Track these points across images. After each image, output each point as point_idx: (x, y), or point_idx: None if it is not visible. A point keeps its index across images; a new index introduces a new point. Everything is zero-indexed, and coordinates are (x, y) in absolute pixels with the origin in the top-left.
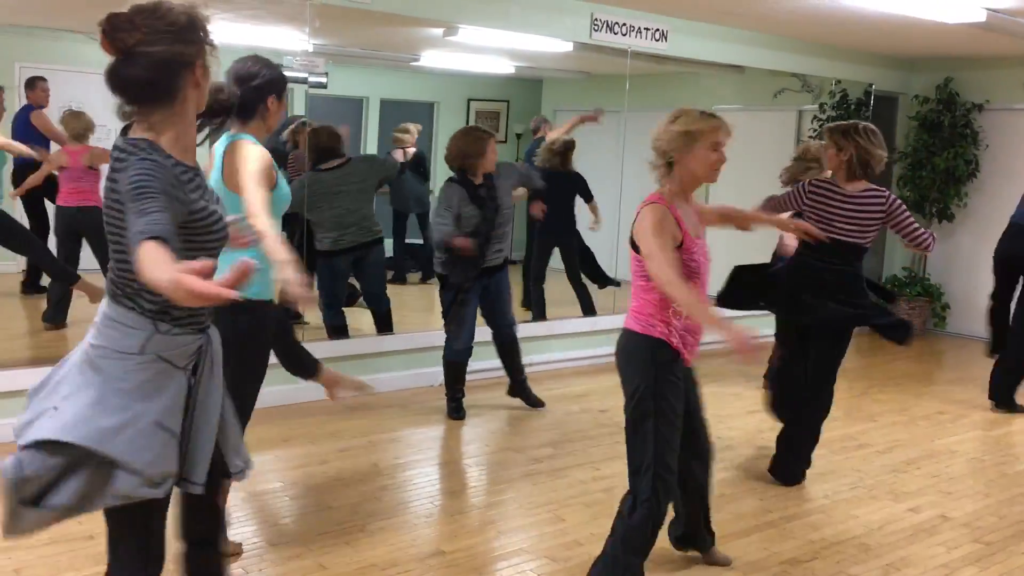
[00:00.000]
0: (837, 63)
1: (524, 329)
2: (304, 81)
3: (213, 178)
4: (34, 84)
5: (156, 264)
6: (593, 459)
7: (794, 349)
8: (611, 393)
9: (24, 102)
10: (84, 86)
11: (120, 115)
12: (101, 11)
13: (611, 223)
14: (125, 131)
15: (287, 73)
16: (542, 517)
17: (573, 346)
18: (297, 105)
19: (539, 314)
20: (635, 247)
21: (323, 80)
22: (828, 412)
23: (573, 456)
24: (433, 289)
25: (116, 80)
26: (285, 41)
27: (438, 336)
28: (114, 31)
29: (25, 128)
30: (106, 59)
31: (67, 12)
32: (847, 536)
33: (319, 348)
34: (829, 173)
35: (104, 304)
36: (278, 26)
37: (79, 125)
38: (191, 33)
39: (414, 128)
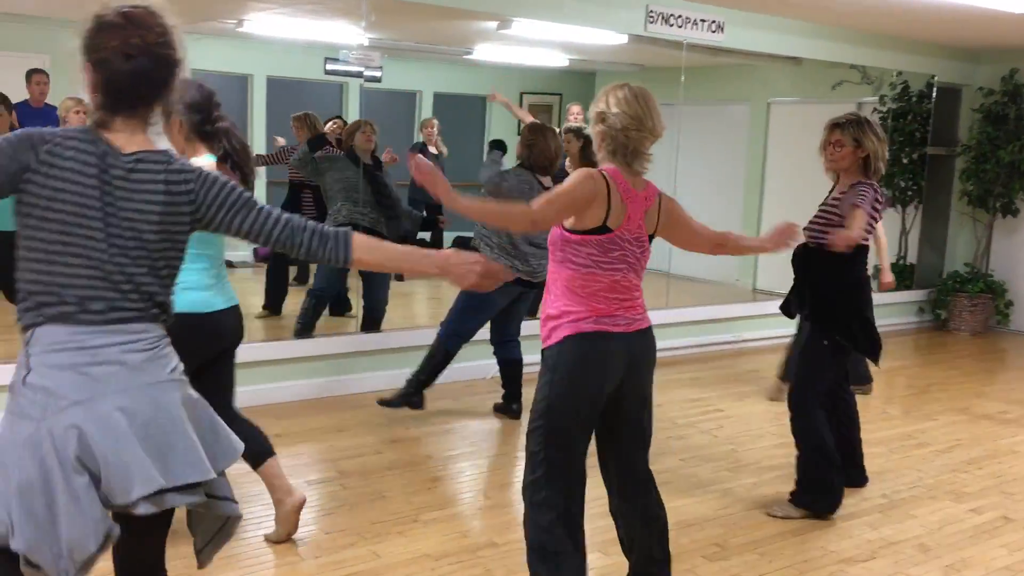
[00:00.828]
0: (898, 54)
1: None
2: (359, 75)
3: None
4: (29, 77)
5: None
6: None
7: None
8: (661, 388)
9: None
10: None
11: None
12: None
13: None
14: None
15: (342, 67)
16: (593, 511)
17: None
18: (351, 99)
19: None
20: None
21: (378, 74)
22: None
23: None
24: None
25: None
26: (340, 35)
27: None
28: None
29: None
30: None
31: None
32: (906, 536)
33: (369, 340)
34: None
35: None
36: (334, 20)
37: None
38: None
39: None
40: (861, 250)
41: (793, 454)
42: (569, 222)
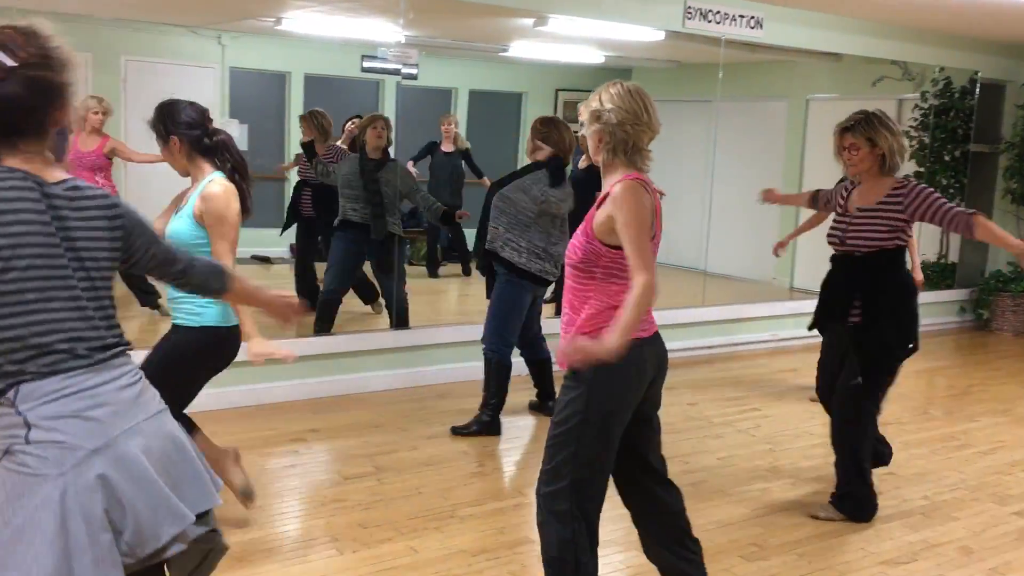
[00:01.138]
0: (941, 49)
1: None
2: (396, 72)
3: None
4: None
5: None
6: (682, 452)
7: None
8: (697, 386)
9: (127, 96)
10: (183, 78)
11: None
12: (204, 7)
13: (701, 214)
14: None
15: (379, 65)
16: (623, 510)
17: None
18: (387, 96)
19: None
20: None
21: (414, 72)
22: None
23: (662, 449)
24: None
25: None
26: (378, 33)
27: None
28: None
29: None
30: (208, 51)
31: (171, 7)
32: (948, 539)
33: (402, 337)
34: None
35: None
36: (371, 18)
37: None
38: None
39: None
40: (903, 251)
41: (832, 455)
42: (611, 239)
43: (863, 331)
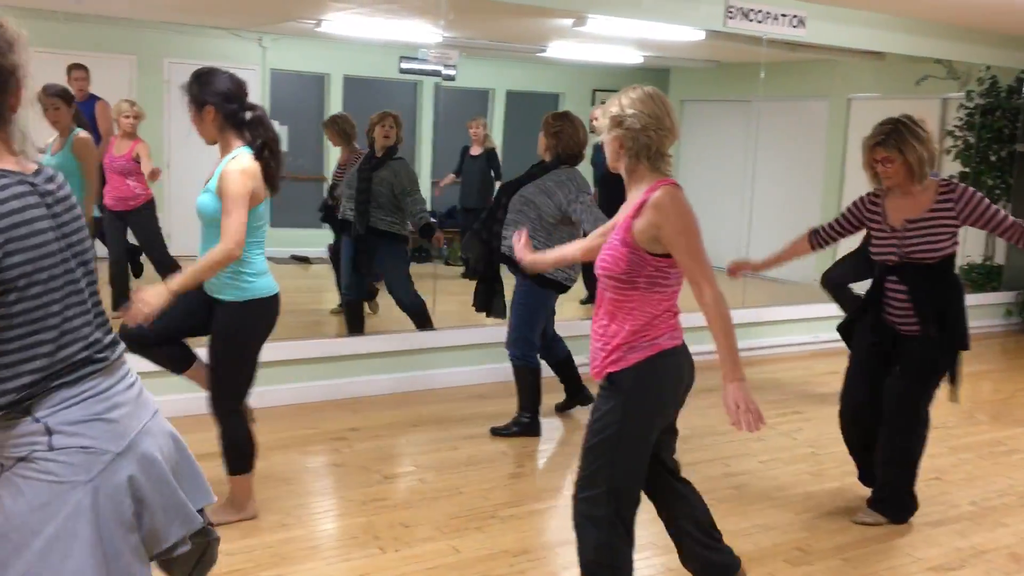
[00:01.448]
0: (986, 47)
1: None
2: (433, 74)
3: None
4: (69, 72)
5: None
6: (723, 455)
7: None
8: None
9: (172, 96)
10: None
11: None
12: (245, 9)
13: (741, 215)
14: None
15: (417, 66)
16: None
17: (703, 339)
18: (425, 97)
19: None
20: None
21: (452, 72)
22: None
23: (703, 452)
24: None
25: None
26: (416, 34)
27: (564, 326)
28: None
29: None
30: (249, 53)
31: (213, 10)
32: (996, 545)
33: (441, 337)
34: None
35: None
36: (410, 19)
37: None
38: None
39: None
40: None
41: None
42: (655, 248)
43: (922, 339)
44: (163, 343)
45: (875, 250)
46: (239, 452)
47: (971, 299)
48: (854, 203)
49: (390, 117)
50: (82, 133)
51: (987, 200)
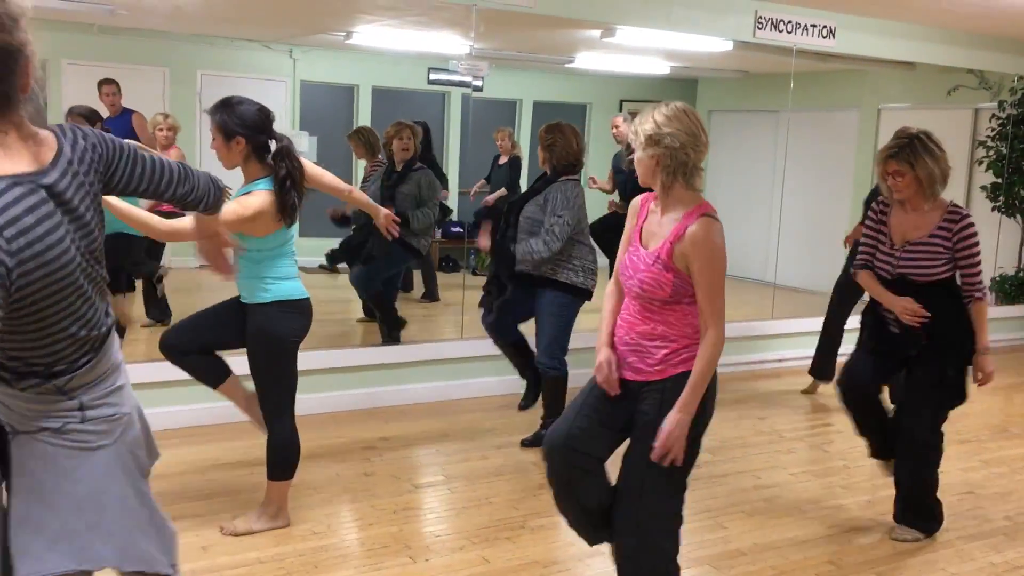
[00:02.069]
0: (1018, 57)
1: None
2: (462, 84)
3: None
4: (100, 87)
5: None
6: (753, 467)
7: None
8: (770, 401)
9: (202, 110)
10: (255, 91)
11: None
12: (276, 22)
13: (770, 225)
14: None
15: (445, 77)
16: (703, 524)
17: (732, 351)
18: (453, 108)
19: None
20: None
21: (480, 83)
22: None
23: (733, 463)
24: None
25: None
26: (444, 46)
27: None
28: None
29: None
30: (280, 65)
31: (245, 22)
32: None
33: (472, 347)
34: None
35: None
36: (439, 31)
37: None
38: None
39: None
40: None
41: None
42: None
43: (923, 353)
44: (198, 353)
45: (876, 262)
46: (281, 458)
47: (1003, 311)
48: (870, 217)
49: (407, 129)
50: None
51: (977, 246)
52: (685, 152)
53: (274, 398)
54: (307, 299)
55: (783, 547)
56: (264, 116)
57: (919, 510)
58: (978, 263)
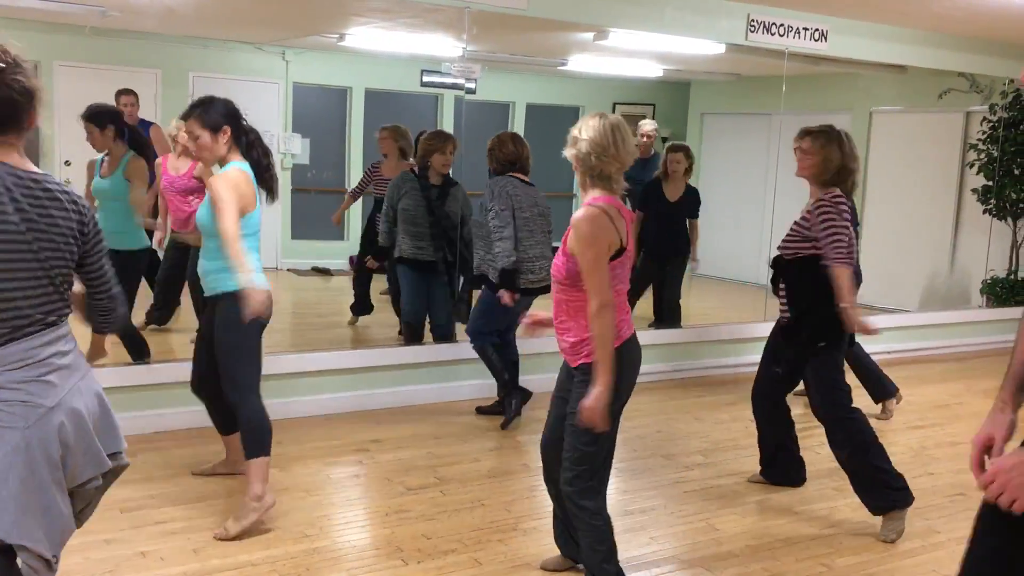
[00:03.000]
0: (1009, 61)
1: (668, 336)
2: (455, 87)
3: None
4: (117, 98)
5: None
6: (746, 469)
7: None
8: None
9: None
10: (248, 93)
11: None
12: (269, 24)
13: (763, 228)
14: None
15: (438, 79)
16: (695, 526)
17: (723, 353)
18: (446, 111)
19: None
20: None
21: (472, 85)
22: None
23: (725, 465)
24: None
25: None
26: (437, 48)
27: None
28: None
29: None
30: (273, 67)
31: (237, 25)
32: None
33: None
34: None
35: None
36: (432, 33)
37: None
38: None
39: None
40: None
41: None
42: None
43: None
44: (213, 394)
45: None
46: (257, 434)
47: (994, 314)
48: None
49: (451, 143)
50: (135, 157)
51: (833, 226)
52: (595, 158)
53: (246, 379)
54: (268, 292)
55: (775, 549)
56: (235, 107)
57: (875, 491)
58: (831, 235)
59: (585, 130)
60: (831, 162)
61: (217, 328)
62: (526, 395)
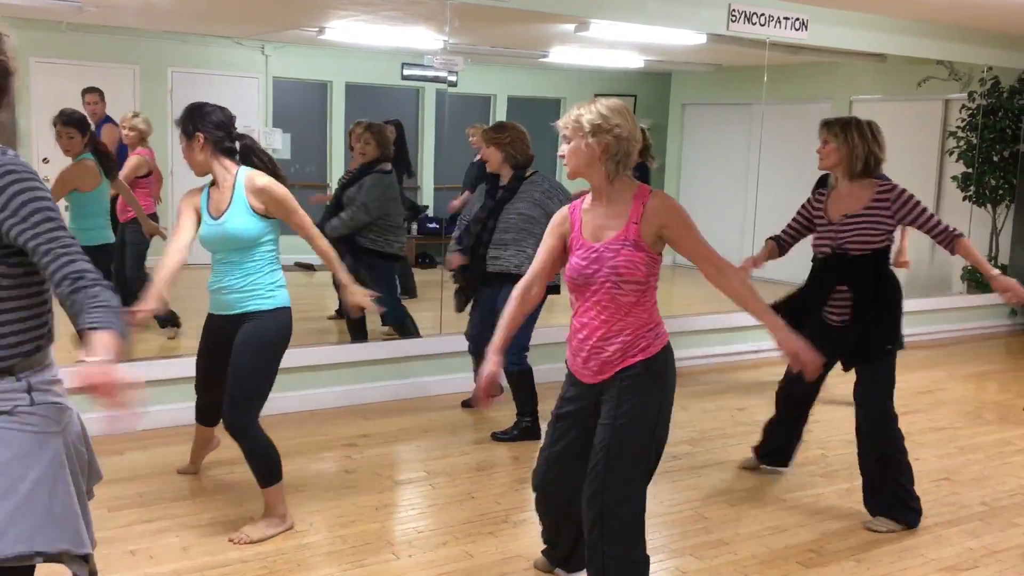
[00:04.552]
0: (988, 48)
1: None
2: (436, 80)
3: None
4: (83, 96)
5: None
6: (732, 457)
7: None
8: (748, 392)
9: (173, 107)
10: (227, 88)
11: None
12: (248, 18)
13: (744, 218)
14: None
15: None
16: (684, 515)
17: (708, 343)
18: (427, 104)
19: None
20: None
21: (454, 78)
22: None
23: (712, 454)
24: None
25: None
26: (418, 41)
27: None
28: None
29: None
30: (252, 62)
31: (216, 19)
32: (1009, 545)
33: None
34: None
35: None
36: (413, 26)
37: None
38: None
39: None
40: (889, 249)
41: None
42: (658, 247)
43: (857, 331)
44: (213, 392)
45: (815, 243)
46: (268, 463)
47: (975, 300)
48: (803, 203)
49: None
50: (87, 160)
51: (921, 204)
52: (630, 144)
53: (254, 404)
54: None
55: (764, 536)
56: (224, 115)
57: (891, 500)
58: (933, 215)
59: (614, 116)
60: (856, 151)
61: (243, 346)
62: (535, 435)
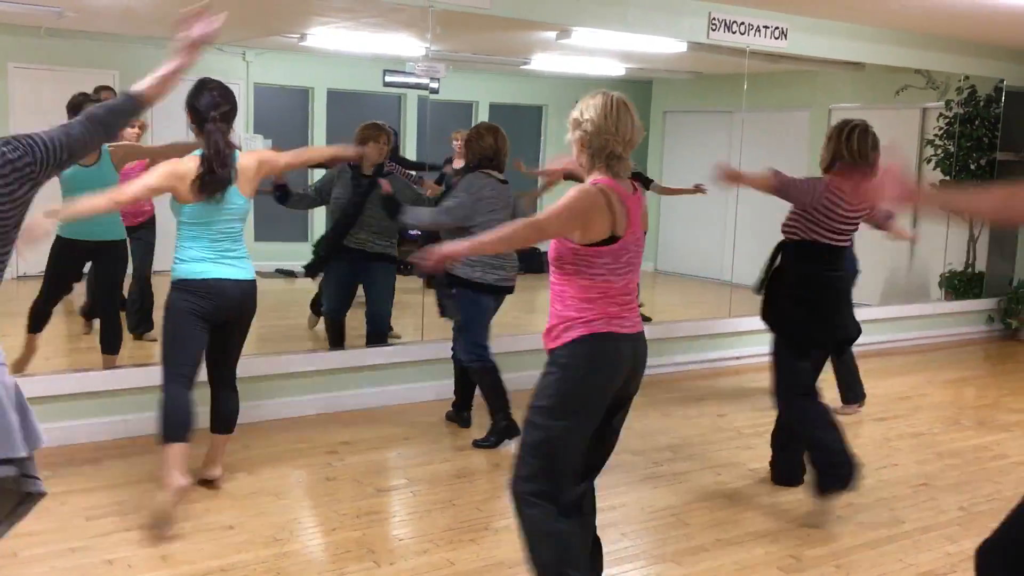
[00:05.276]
0: (965, 57)
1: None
2: (418, 87)
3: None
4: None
5: None
6: (714, 463)
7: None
8: (728, 397)
9: (153, 112)
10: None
11: None
12: (229, 24)
13: (726, 225)
14: None
15: (400, 79)
16: (665, 521)
17: (690, 349)
18: (409, 110)
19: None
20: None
21: (436, 85)
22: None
23: (693, 460)
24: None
25: None
26: (400, 48)
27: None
28: None
29: None
30: (233, 68)
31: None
32: None
33: (430, 350)
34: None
35: None
36: (395, 33)
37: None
38: None
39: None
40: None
41: (867, 466)
42: (576, 237)
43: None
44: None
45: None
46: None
47: (953, 306)
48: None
49: (383, 133)
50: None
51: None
52: (601, 138)
53: (164, 358)
54: (206, 281)
55: (745, 542)
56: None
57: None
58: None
59: (587, 110)
60: (828, 151)
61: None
62: (514, 432)
